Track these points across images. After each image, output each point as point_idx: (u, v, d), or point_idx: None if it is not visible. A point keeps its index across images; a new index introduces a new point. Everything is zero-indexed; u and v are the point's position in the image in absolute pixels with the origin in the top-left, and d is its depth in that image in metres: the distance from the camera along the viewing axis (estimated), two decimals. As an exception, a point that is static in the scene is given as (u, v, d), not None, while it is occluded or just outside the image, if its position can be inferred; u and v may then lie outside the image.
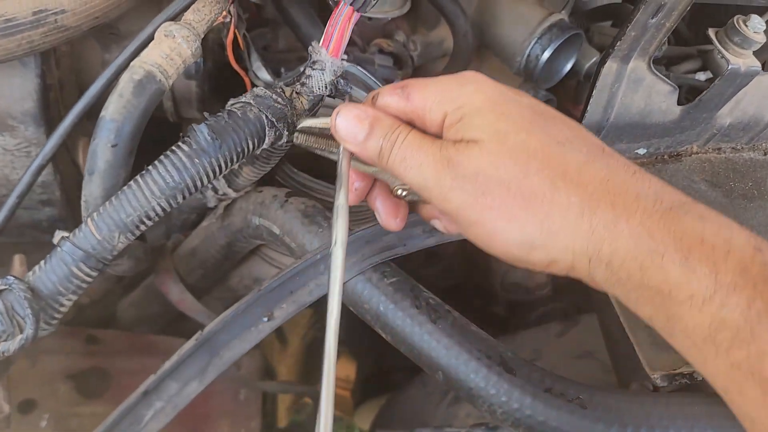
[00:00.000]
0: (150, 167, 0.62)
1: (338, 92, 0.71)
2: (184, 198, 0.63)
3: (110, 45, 0.83)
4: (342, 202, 0.58)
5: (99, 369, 0.97)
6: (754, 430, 0.47)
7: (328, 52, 0.67)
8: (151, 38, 0.65)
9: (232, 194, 0.82)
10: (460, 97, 0.55)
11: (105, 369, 0.97)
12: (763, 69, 0.81)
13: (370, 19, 1.01)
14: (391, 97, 0.59)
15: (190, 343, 0.69)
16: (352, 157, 0.61)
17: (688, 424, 0.64)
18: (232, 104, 0.66)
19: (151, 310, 1.04)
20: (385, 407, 1.33)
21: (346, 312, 0.63)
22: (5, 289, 0.60)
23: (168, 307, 0.96)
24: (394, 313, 0.70)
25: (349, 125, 0.58)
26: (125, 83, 0.62)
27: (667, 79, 0.80)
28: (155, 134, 0.71)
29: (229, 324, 0.70)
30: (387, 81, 0.94)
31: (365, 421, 1.41)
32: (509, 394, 0.65)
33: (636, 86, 0.79)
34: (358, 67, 0.90)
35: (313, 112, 0.71)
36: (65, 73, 0.79)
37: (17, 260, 0.71)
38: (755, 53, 0.80)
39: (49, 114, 0.73)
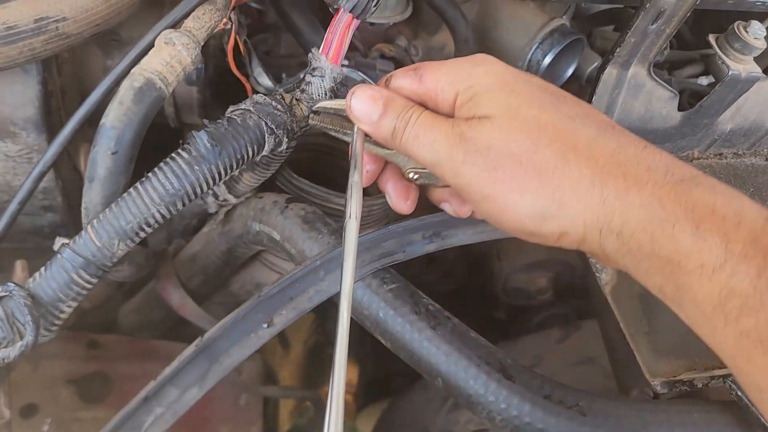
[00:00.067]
0: (150, 174, 0.62)
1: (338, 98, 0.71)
2: (183, 205, 0.63)
3: (112, 51, 0.83)
4: (356, 179, 0.59)
5: (100, 374, 0.97)
6: (762, 398, 0.47)
7: (328, 58, 0.67)
8: (151, 45, 0.65)
9: (233, 200, 0.82)
10: (471, 76, 0.56)
11: (106, 374, 0.97)
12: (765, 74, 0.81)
13: (371, 24, 1.01)
14: (404, 79, 0.60)
15: (190, 350, 0.69)
16: (366, 138, 0.62)
17: (688, 431, 0.64)
18: (232, 111, 0.66)
19: (153, 315, 1.04)
20: (386, 412, 1.33)
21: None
22: (6, 295, 0.60)
23: (169, 313, 0.96)
24: (394, 319, 0.70)
25: (364, 106, 0.59)
26: (125, 90, 0.62)
27: (667, 85, 0.80)
28: (156, 140, 0.72)
29: (228, 330, 0.70)
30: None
31: (367, 425, 1.41)
32: (508, 401, 0.65)
33: (636, 92, 0.79)
34: (359, 72, 0.90)
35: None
36: (67, 80, 0.79)
37: (19, 266, 0.71)
38: (756, 59, 0.80)
39: (50, 120, 0.73)
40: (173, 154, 0.63)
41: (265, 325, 0.71)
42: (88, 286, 0.63)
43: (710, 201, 0.48)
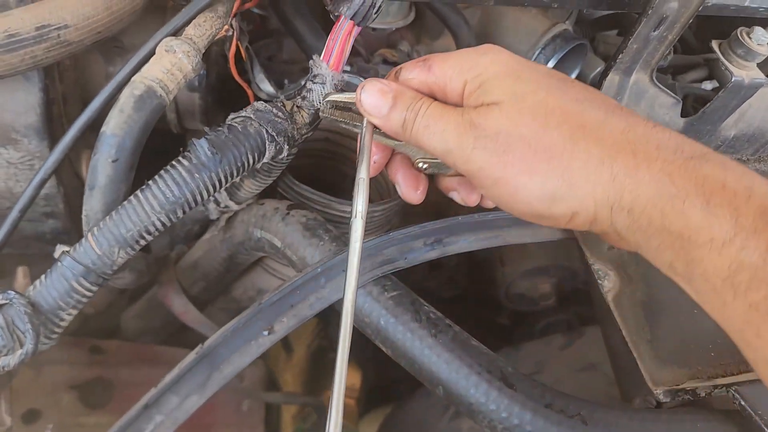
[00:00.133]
0: (150, 182, 0.62)
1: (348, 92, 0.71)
2: (184, 212, 0.63)
3: (114, 58, 0.83)
4: (363, 176, 0.59)
5: (103, 379, 0.97)
6: None
7: (329, 65, 0.67)
8: (152, 53, 0.65)
9: (234, 207, 0.82)
10: (479, 65, 0.57)
11: (109, 379, 0.97)
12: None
13: (374, 29, 1.01)
14: (413, 70, 0.60)
15: (191, 357, 0.69)
16: (375, 129, 0.62)
17: (690, 441, 0.64)
18: (233, 119, 0.66)
19: (155, 321, 1.04)
20: (388, 418, 1.33)
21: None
22: (6, 303, 0.61)
23: (171, 319, 0.97)
24: (395, 327, 0.69)
25: (374, 99, 0.60)
26: (126, 98, 0.62)
27: (670, 91, 0.80)
28: (158, 145, 0.72)
29: (229, 338, 0.70)
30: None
31: (370, 431, 1.40)
32: (509, 410, 0.65)
33: (638, 98, 0.79)
34: (361, 78, 0.90)
35: (314, 126, 0.71)
36: (69, 87, 0.79)
37: (20, 272, 0.71)
38: (759, 65, 0.80)
39: (52, 127, 0.73)
40: (174, 162, 0.63)
41: (266, 333, 0.71)
42: (89, 294, 0.63)
43: (721, 176, 0.48)
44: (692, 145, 0.51)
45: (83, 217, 0.66)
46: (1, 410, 0.73)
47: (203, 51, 0.67)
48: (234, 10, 0.73)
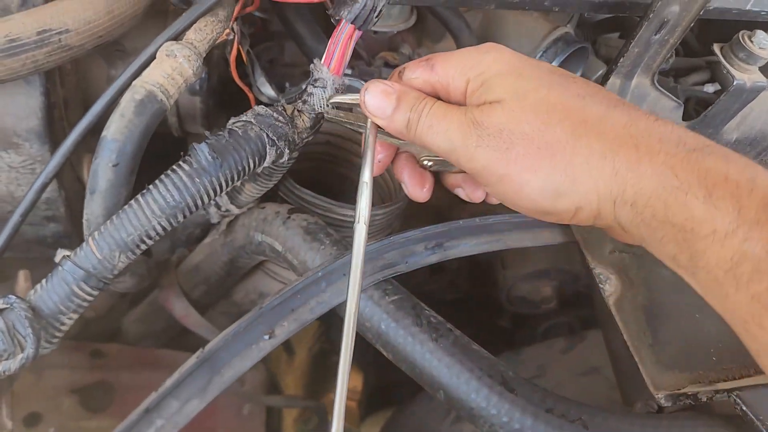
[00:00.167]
0: (151, 186, 0.62)
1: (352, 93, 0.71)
2: (184, 217, 0.63)
3: (115, 61, 0.84)
4: (366, 179, 0.59)
5: (104, 383, 0.97)
6: None
7: (330, 70, 0.67)
8: (153, 57, 0.65)
9: (235, 210, 0.82)
10: (481, 64, 0.57)
11: (110, 383, 0.97)
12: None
13: (375, 32, 1.01)
14: (416, 70, 0.61)
15: (191, 361, 0.69)
16: (380, 130, 0.63)
17: (691, 446, 0.64)
18: (233, 123, 0.66)
19: (156, 325, 1.04)
20: (390, 421, 1.32)
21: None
22: (7, 308, 0.61)
23: (172, 322, 0.96)
24: (396, 331, 0.69)
25: (377, 100, 0.60)
26: (126, 103, 0.62)
27: (671, 95, 0.80)
28: (159, 149, 0.72)
29: (230, 342, 0.70)
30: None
31: (371, 434, 1.40)
32: (510, 415, 0.65)
33: (640, 102, 0.79)
34: (363, 82, 0.90)
35: (314, 130, 0.71)
36: (70, 91, 0.79)
37: (22, 276, 0.71)
38: (761, 68, 0.79)
39: (53, 131, 0.73)
40: (174, 166, 0.63)
41: (267, 337, 0.71)
42: (89, 298, 0.63)
43: (723, 168, 0.48)
44: (695, 138, 0.51)
45: (84, 221, 0.66)
46: (2, 414, 0.73)
47: (204, 55, 0.67)
48: (235, 14, 0.73)
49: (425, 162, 0.65)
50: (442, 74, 0.59)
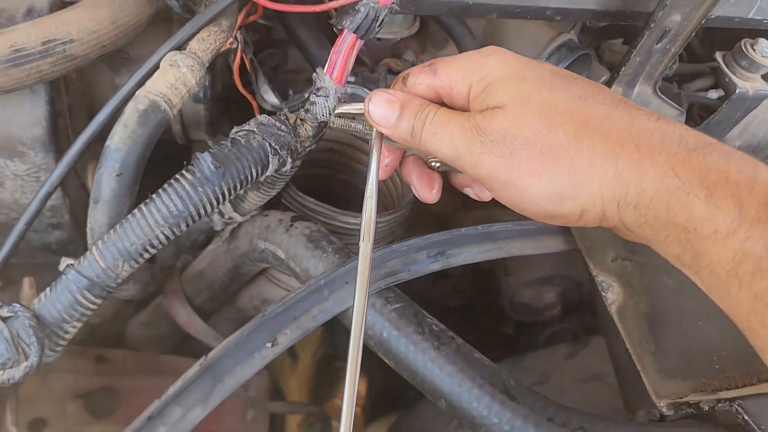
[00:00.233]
0: (154, 196, 0.63)
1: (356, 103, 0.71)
2: (187, 226, 0.64)
3: (120, 69, 0.84)
4: (370, 193, 0.60)
5: (108, 388, 0.98)
6: None
7: (333, 79, 0.67)
8: (156, 67, 0.66)
9: (238, 218, 0.82)
10: (483, 68, 0.57)
11: (114, 388, 0.98)
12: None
13: (379, 39, 1.02)
14: (419, 75, 0.61)
15: (194, 369, 0.69)
16: (385, 138, 0.63)
17: (693, 456, 0.63)
18: (236, 132, 0.67)
19: (160, 330, 1.04)
20: (394, 425, 1.33)
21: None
22: (11, 316, 0.61)
23: (177, 328, 0.97)
24: (398, 339, 0.70)
25: (381, 109, 0.60)
26: (130, 113, 0.63)
27: (673, 103, 0.80)
28: (163, 156, 0.72)
29: (232, 350, 0.70)
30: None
31: (375, 439, 1.41)
32: (512, 423, 0.65)
33: (642, 110, 0.79)
34: (366, 89, 0.90)
35: (317, 138, 0.71)
36: (74, 99, 0.80)
37: (26, 283, 0.71)
38: (764, 76, 0.79)
39: (57, 140, 0.74)
40: (177, 176, 0.63)
41: (269, 345, 0.71)
42: (93, 306, 0.63)
43: (724, 167, 0.48)
44: (696, 137, 0.51)
45: (88, 230, 0.66)
46: (7, 419, 0.73)
47: (207, 65, 0.68)
48: (238, 23, 0.74)
49: (433, 163, 0.65)
50: (444, 79, 0.59)
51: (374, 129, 0.62)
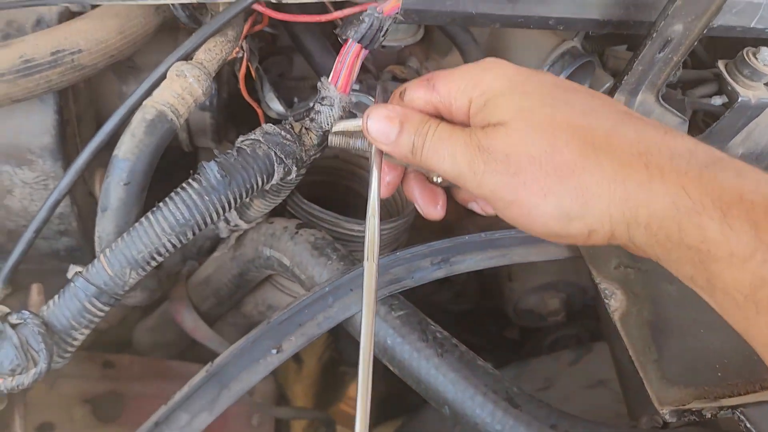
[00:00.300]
0: (161, 204, 0.63)
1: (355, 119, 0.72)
2: (194, 234, 0.64)
3: (127, 77, 0.85)
4: (372, 211, 0.59)
5: (115, 393, 0.98)
6: None
7: (337, 88, 0.68)
8: (164, 77, 0.66)
9: (244, 225, 0.83)
10: (483, 82, 0.56)
11: (121, 393, 0.99)
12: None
13: (383, 47, 1.02)
14: (417, 90, 0.59)
15: (201, 375, 0.70)
16: (385, 154, 0.62)
17: (695, 463, 0.64)
18: (242, 141, 0.67)
19: (167, 335, 1.05)
20: (400, 429, 1.33)
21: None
22: (20, 323, 0.62)
23: (183, 333, 0.98)
24: (402, 346, 0.70)
25: (380, 126, 0.59)
26: (137, 123, 0.63)
27: (676, 111, 0.80)
28: (170, 163, 0.73)
29: (238, 356, 0.71)
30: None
31: (381, 443, 1.41)
32: (515, 430, 0.65)
33: (645, 119, 0.79)
34: (370, 97, 0.91)
35: (322, 147, 0.72)
36: (82, 107, 0.81)
37: (35, 290, 0.72)
38: (766, 84, 0.80)
39: (66, 148, 0.75)
40: (184, 184, 0.64)
41: (275, 351, 0.72)
42: (101, 314, 0.64)
43: (737, 186, 0.46)
44: (706, 151, 0.50)
45: (96, 238, 0.67)
46: (16, 424, 0.74)
47: (214, 75, 0.68)
48: (244, 33, 0.74)
49: (435, 179, 0.64)
50: (444, 94, 0.58)
51: (373, 147, 0.61)
